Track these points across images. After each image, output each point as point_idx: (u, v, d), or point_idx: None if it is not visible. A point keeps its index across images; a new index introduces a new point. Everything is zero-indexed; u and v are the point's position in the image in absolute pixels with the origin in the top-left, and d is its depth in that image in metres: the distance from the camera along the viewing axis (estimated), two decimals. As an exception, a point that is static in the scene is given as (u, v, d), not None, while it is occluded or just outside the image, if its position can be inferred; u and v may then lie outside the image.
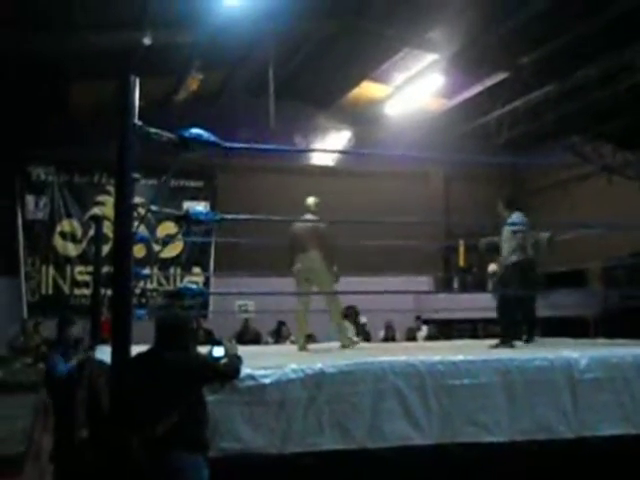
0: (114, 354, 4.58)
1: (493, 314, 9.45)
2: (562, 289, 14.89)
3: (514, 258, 8.14)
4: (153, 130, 4.68)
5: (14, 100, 14.38)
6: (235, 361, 4.87)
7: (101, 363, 6.65)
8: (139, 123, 4.62)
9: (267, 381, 4.96)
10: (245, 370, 4.91)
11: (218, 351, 4.91)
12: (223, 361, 4.89)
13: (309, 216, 8.48)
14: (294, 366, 5.12)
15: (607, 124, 14.98)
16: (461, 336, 14.73)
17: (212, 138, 4.77)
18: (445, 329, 16.27)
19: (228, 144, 4.94)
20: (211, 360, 4.87)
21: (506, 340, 7.96)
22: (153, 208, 5.85)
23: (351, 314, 11.57)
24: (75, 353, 8.74)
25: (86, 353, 8.74)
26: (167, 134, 4.71)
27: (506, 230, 8.24)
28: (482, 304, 12.58)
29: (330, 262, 8.32)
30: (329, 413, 5.06)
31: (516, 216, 8.40)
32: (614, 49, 12.62)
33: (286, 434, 4.95)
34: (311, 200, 8.63)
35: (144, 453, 4.53)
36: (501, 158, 18.15)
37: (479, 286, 17.66)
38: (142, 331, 5.08)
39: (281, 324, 14.40)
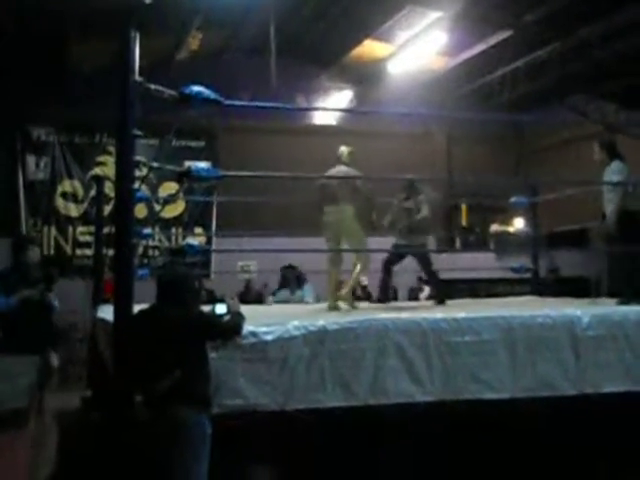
0: (116, 313, 4.59)
1: (495, 274, 9.49)
2: (564, 248, 14.89)
3: (613, 210, 7.32)
4: (154, 87, 4.66)
5: (14, 59, 14.28)
6: (237, 318, 4.88)
7: (104, 322, 6.67)
8: (140, 79, 4.59)
9: (269, 338, 4.97)
10: (247, 327, 4.92)
11: (220, 308, 4.92)
12: (226, 318, 4.90)
13: (342, 167, 7.93)
14: (296, 323, 5.13)
15: (611, 83, 14.88)
16: (463, 296, 14.74)
17: (213, 95, 4.75)
18: (447, 289, 16.27)
19: (229, 102, 4.91)
20: (214, 317, 4.88)
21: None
22: (155, 165, 5.83)
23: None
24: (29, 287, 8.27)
25: (40, 292, 8.31)
26: (168, 91, 4.69)
27: (606, 179, 7.43)
28: (484, 264, 12.60)
29: (368, 216, 8.03)
30: (331, 370, 5.08)
31: (615, 165, 7.45)
32: (619, 6, 12.48)
33: (288, 391, 4.98)
34: (344, 149, 8.08)
35: (147, 410, 4.56)
36: (505, 116, 18.05)
37: (481, 246, 17.70)
38: (144, 290, 5.08)
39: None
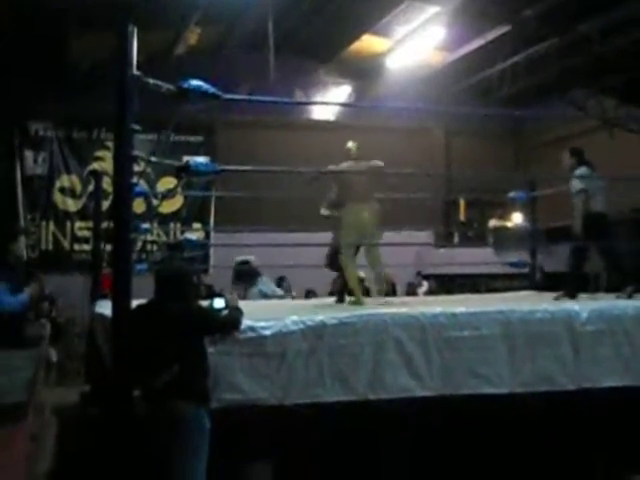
0: (115, 308, 4.59)
1: (494, 269, 9.48)
2: (562, 244, 14.87)
3: (577, 214, 7.74)
4: (152, 81, 4.65)
5: (12, 55, 14.27)
6: (236, 313, 4.87)
7: (102, 316, 6.66)
8: (138, 73, 4.57)
9: (268, 333, 4.96)
10: (246, 322, 4.91)
11: (219, 302, 4.92)
12: (224, 313, 4.89)
13: (352, 163, 7.52)
14: (294, 318, 5.12)
15: (610, 77, 14.86)
16: (462, 291, 14.75)
17: (211, 89, 4.74)
18: (446, 284, 16.30)
19: (228, 96, 4.90)
20: (212, 311, 4.87)
21: (569, 291, 7.63)
22: (153, 159, 5.82)
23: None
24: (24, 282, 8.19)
25: (36, 285, 8.26)
26: (166, 85, 4.67)
27: (573, 184, 7.86)
28: (483, 259, 12.58)
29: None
30: (330, 364, 5.07)
31: (581, 170, 7.92)
32: (618, 1, 12.46)
33: (287, 385, 4.97)
34: (351, 145, 7.62)
35: (145, 404, 4.56)
36: (503, 111, 18.04)
37: (480, 241, 17.70)
38: (142, 285, 5.07)
39: (281, 279, 14.47)
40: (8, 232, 8.56)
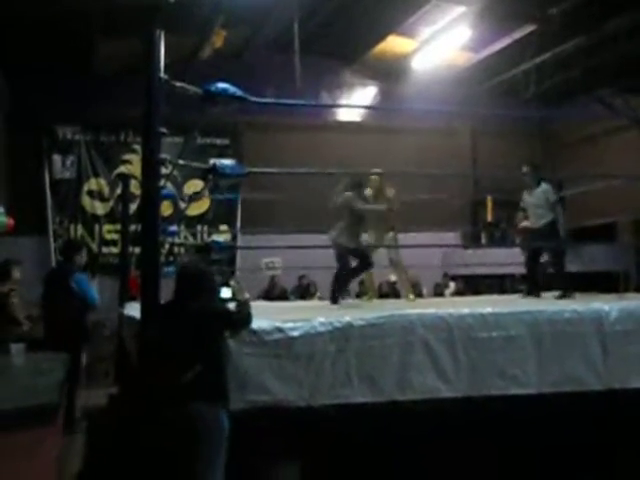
0: (143, 310, 4.62)
1: (521, 269, 9.52)
2: (592, 243, 14.80)
3: (539, 222, 8.89)
4: (179, 84, 4.68)
5: (40, 59, 14.38)
6: (246, 308, 4.85)
7: (130, 319, 6.72)
8: (165, 77, 4.61)
9: (295, 334, 4.98)
10: (274, 323, 4.93)
11: (225, 292, 4.92)
12: (231, 305, 4.90)
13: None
14: (322, 319, 5.13)
15: (637, 76, 14.73)
16: (489, 292, 14.68)
17: (238, 92, 4.76)
18: (473, 285, 16.22)
19: (255, 99, 4.92)
20: (228, 308, 4.87)
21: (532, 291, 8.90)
22: (180, 162, 5.85)
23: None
24: None
25: None
26: (193, 88, 4.70)
27: (533, 198, 8.91)
28: (510, 259, 12.51)
29: None
30: (357, 366, 5.08)
31: (542, 188, 8.84)
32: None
33: (315, 386, 4.98)
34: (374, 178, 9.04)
35: (167, 405, 4.56)
36: (530, 111, 17.92)
37: (507, 241, 17.59)
38: (170, 288, 5.09)
39: (302, 277, 14.65)
40: (73, 246, 9.20)
